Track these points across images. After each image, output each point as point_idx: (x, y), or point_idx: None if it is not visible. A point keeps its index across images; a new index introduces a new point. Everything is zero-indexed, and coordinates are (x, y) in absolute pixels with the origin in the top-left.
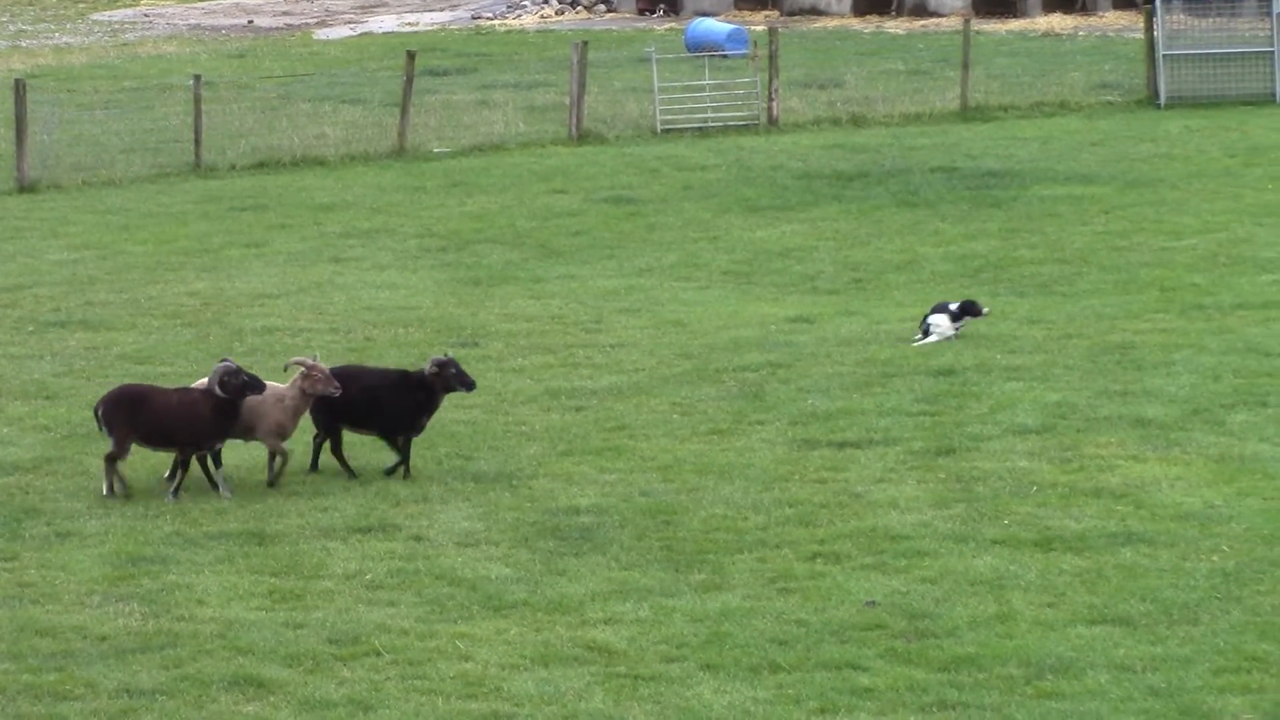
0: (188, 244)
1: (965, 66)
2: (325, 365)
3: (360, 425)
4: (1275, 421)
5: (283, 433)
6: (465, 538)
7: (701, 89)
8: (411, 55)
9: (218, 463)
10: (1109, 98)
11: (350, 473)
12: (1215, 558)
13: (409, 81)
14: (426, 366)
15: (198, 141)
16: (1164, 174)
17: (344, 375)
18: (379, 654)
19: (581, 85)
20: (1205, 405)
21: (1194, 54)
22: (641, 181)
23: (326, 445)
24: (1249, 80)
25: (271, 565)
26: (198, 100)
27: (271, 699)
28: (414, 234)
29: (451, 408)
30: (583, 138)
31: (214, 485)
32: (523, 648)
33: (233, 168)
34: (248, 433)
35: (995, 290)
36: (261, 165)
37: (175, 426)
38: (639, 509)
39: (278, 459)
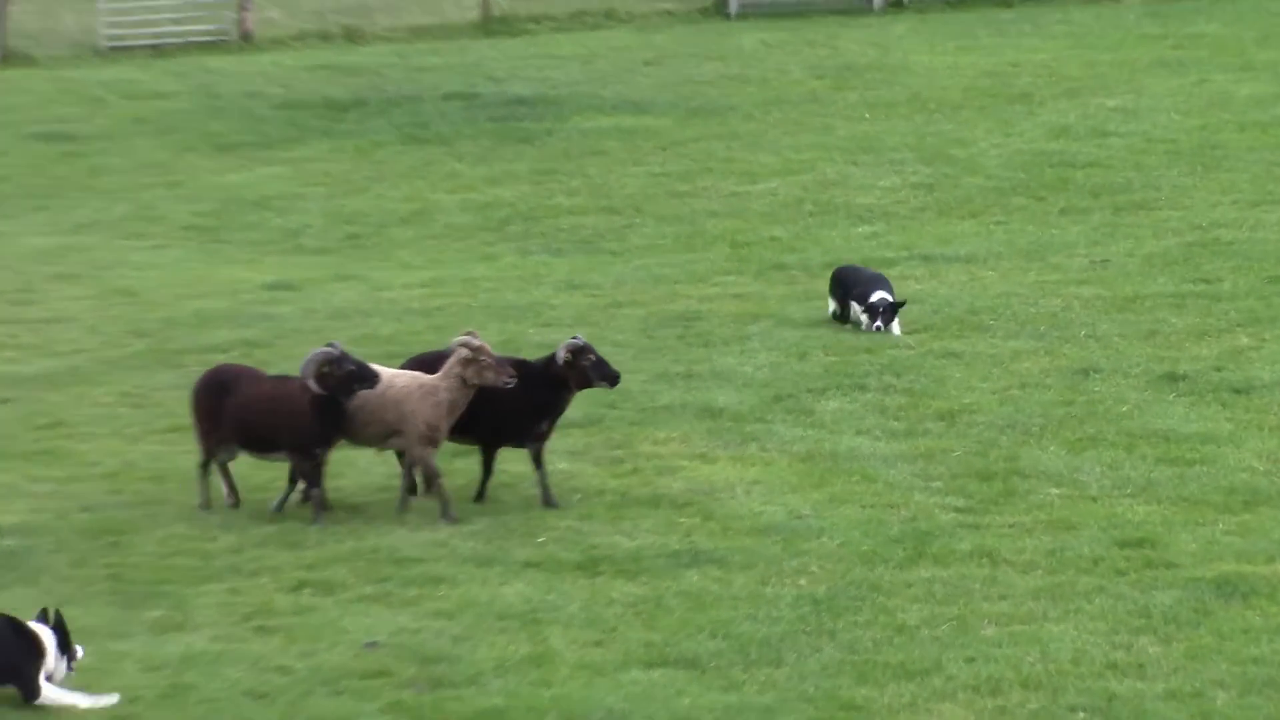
0: None
1: None
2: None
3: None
4: (875, 409)
5: (433, 437)
6: None
7: None
8: None
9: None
10: (667, 6)
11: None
12: (803, 581)
13: None
14: (559, 353)
15: None
16: (735, 100)
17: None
18: None
19: None
20: (789, 390)
21: None
22: (82, 114)
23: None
24: None
25: None
26: None
27: None
28: None
29: None
30: (6, 59)
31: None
32: None
33: None
34: (386, 438)
35: (526, 247)
36: None
37: (271, 424)
38: (79, 528)
39: (418, 475)
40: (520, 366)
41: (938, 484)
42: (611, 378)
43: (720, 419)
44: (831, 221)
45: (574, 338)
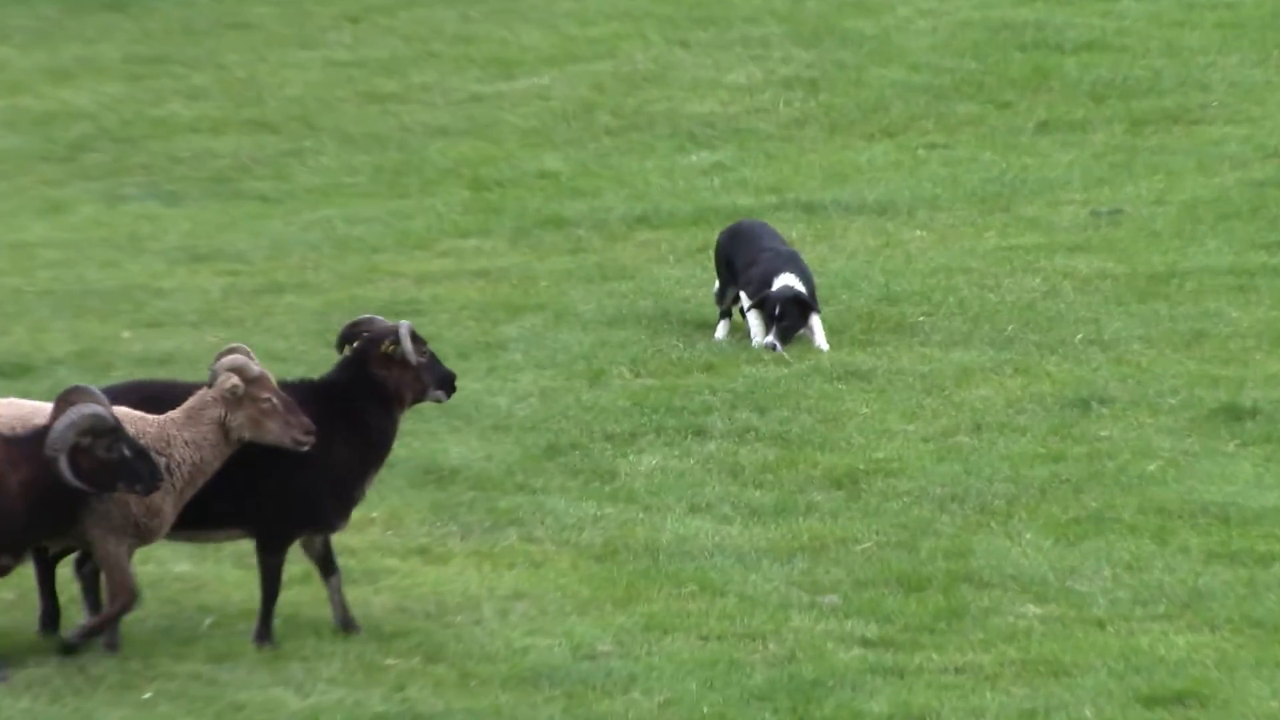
0: None
1: None
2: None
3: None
4: (723, 469)
5: (140, 522)
6: None
7: None
8: None
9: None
10: None
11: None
12: None
13: None
14: (404, 346)
15: None
16: None
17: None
18: None
19: None
20: (573, 437)
21: None
22: None
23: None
24: None
25: None
26: None
27: None
28: None
29: None
30: None
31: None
32: None
33: None
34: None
35: (118, 189)
36: None
37: None
38: None
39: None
40: (309, 389)
41: (833, 598)
42: (448, 381)
43: (455, 486)
44: (645, 145)
45: (366, 318)
